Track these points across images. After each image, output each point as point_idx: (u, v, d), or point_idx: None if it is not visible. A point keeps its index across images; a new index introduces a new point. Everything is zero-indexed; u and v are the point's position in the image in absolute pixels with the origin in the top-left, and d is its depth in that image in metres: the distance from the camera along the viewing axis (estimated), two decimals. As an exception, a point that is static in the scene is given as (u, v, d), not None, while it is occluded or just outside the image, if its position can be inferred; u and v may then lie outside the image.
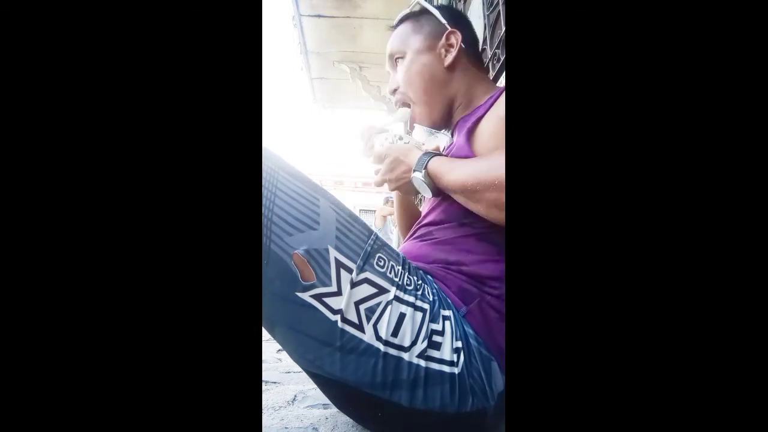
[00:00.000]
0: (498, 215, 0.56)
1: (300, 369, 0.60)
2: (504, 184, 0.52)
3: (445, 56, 0.75)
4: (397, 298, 0.54)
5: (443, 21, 0.76)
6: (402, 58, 0.78)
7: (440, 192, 0.65)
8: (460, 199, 0.61)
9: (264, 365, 1.23)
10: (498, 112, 0.65)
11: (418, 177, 0.65)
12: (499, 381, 0.57)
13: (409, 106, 0.79)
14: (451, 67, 0.75)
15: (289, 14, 3.06)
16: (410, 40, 0.77)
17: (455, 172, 0.60)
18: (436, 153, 0.66)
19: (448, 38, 0.75)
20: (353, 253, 0.53)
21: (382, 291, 0.54)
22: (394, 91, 0.80)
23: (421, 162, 0.65)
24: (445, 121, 0.79)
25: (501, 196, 0.54)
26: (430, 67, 0.75)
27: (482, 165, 0.58)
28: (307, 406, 0.81)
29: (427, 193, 0.67)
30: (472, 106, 0.75)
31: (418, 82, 0.76)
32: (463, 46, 0.75)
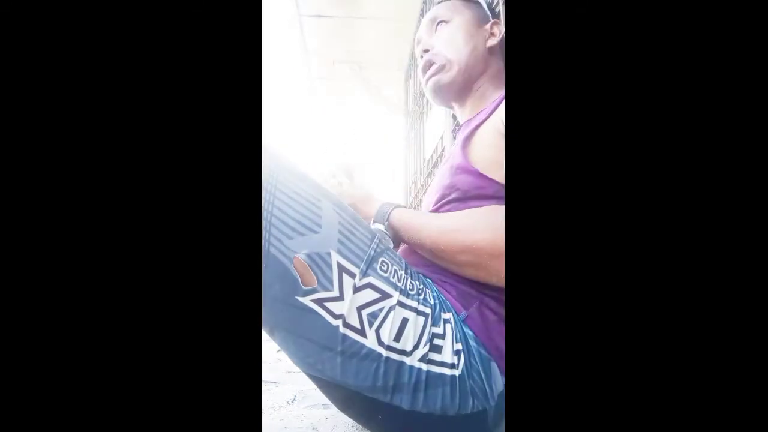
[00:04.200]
0: (471, 273, 0.57)
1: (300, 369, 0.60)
2: (483, 250, 0.54)
3: (489, 39, 0.78)
4: (400, 303, 0.53)
5: (488, 12, 0.80)
6: (446, 22, 0.79)
7: (400, 243, 0.65)
8: (426, 255, 0.62)
9: (264, 365, 1.23)
10: (494, 123, 0.65)
11: (379, 228, 0.63)
12: (498, 381, 0.57)
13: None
14: (491, 51, 0.78)
15: (289, 14, 3.05)
16: (460, 9, 0.80)
17: (425, 231, 0.60)
18: (396, 204, 0.66)
19: (492, 27, 0.79)
20: (356, 257, 0.52)
21: (385, 296, 0.53)
22: (425, 51, 0.80)
23: (383, 213, 0.64)
24: (461, 94, 0.79)
25: (475, 259, 0.55)
26: (476, 39, 0.78)
27: (454, 225, 0.58)
28: (307, 406, 0.81)
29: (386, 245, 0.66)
30: (484, 101, 0.76)
31: (462, 45, 0.77)
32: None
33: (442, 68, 0.77)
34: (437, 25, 0.80)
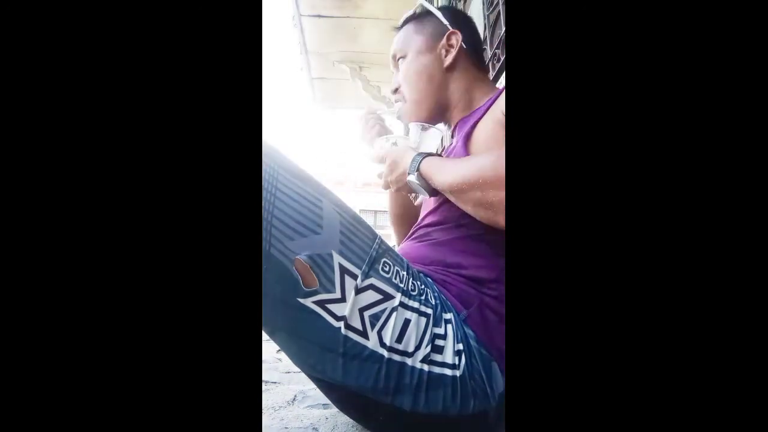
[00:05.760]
0: (484, 214, 0.56)
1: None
2: (488, 183, 0.53)
3: (445, 57, 0.76)
4: (402, 305, 0.53)
5: (445, 22, 0.77)
6: (404, 57, 0.79)
7: (436, 192, 0.65)
8: (452, 198, 0.62)
9: (264, 365, 1.23)
10: (494, 115, 0.65)
11: (412, 179, 0.65)
12: (499, 381, 0.57)
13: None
14: (451, 68, 0.76)
15: (289, 14, 3.05)
16: (412, 40, 0.79)
17: (444, 173, 0.60)
18: (429, 153, 0.66)
19: (449, 39, 0.76)
20: (358, 258, 0.52)
21: (388, 297, 0.53)
22: (396, 90, 0.82)
23: (414, 163, 0.65)
24: (434, 119, 0.80)
25: (484, 195, 0.54)
26: (429, 67, 0.77)
27: (467, 164, 0.58)
28: (307, 406, 0.81)
29: (424, 194, 0.67)
30: (471, 107, 0.76)
31: (416, 81, 0.77)
32: (464, 46, 0.76)
33: (407, 107, 0.80)
34: (398, 61, 0.81)
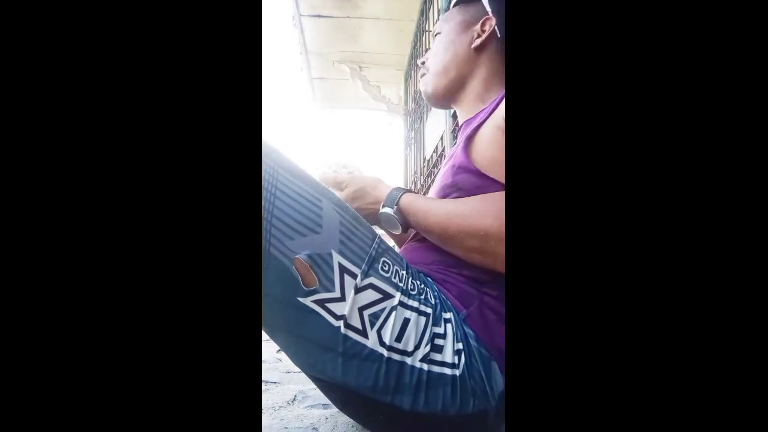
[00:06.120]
0: (478, 259, 0.57)
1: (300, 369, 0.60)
2: (492, 235, 0.54)
3: (475, 39, 0.77)
4: (401, 304, 0.53)
5: (488, 9, 0.78)
6: (439, 33, 0.82)
7: (407, 228, 0.65)
8: (433, 238, 0.62)
9: (264, 365, 1.23)
10: (496, 120, 0.65)
11: (388, 213, 0.64)
12: (499, 381, 0.57)
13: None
14: (478, 50, 0.77)
15: (289, 14, 3.05)
16: (452, 20, 0.81)
17: (431, 215, 0.60)
18: (406, 189, 0.66)
19: (483, 24, 0.77)
20: (357, 257, 0.52)
21: (387, 296, 0.53)
22: (423, 63, 0.85)
23: (393, 198, 0.64)
24: (447, 99, 0.81)
25: (485, 245, 0.55)
26: (457, 44, 0.78)
27: (463, 210, 0.58)
28: (307, 406, 0.81)
29: (396, 230, 0.66)
30: (483, 102, 0.76)
31: (442, 53, 0.79)
32: (498, 35, 0.77)
33: (427, 77, 0.82)
34: (435, 37, 0.84)
